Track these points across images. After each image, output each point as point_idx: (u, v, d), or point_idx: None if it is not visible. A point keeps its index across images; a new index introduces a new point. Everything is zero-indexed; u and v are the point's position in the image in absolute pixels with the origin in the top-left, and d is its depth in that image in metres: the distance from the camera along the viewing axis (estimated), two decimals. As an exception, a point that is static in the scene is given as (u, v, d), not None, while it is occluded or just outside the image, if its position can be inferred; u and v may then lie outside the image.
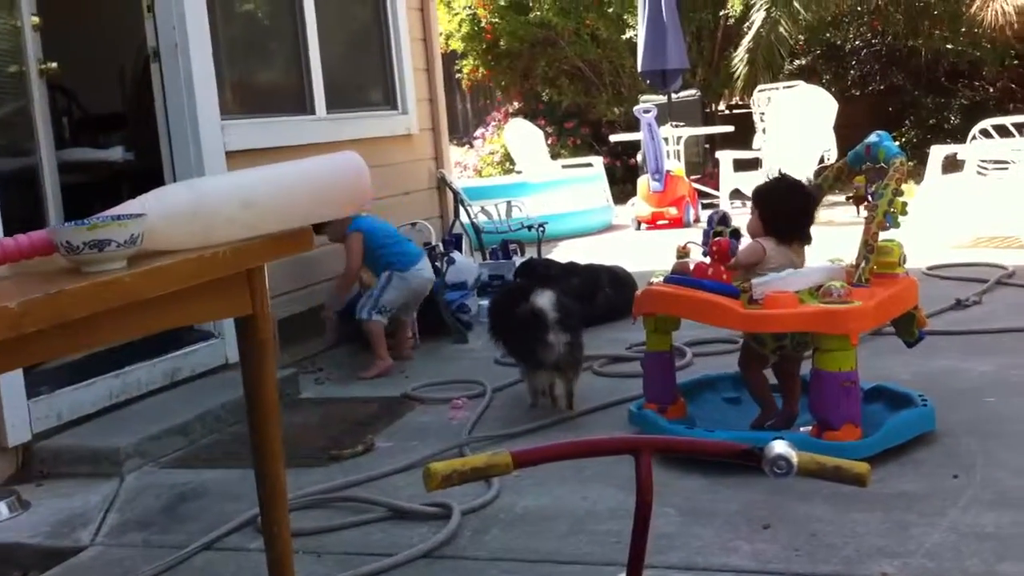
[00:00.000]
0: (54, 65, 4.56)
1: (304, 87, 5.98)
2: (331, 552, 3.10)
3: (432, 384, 4.88)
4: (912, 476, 3.31)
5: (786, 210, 3.71)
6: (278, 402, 2.38)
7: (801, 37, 13.36)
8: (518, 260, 6.50)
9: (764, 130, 10.91)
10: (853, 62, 14.78)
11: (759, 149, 10.75)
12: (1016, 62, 13.32)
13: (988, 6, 12.07)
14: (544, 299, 4.24)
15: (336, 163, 2.23)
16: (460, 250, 6.79)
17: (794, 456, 1.39)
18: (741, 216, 3.90)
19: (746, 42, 12.54)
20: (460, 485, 1.43)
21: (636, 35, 11.81)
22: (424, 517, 3.27)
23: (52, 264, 1.97)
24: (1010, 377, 4.30)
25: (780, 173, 4.05)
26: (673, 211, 10.00)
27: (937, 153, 8.00)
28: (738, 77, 12.91)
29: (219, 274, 2.04)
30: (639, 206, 10.27)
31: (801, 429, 3.58)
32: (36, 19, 4.49)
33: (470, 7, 14.12)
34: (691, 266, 3.77)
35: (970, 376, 4.36)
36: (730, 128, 12.09)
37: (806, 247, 3.75)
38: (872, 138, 3.83)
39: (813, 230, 3.78)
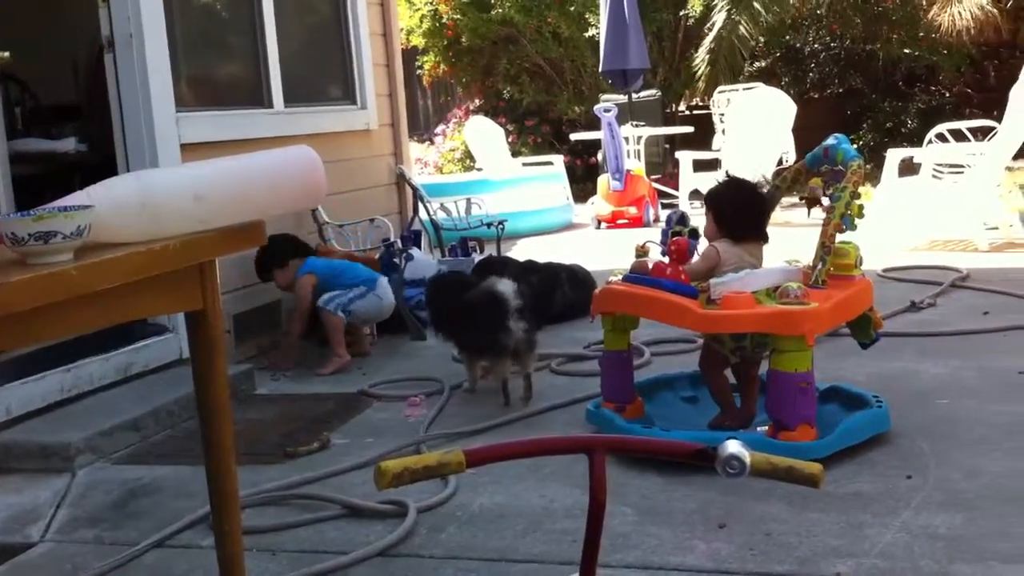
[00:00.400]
0: (6, 54, 4.49)
1: (261, 80, 5.92)
2: (285, 550, 3.07)
3: (389, 381, 4.86)
4: (866, 477, 3.33)
5: (738, 209, 3.73)
6: (229, 398, 2.35)
7: (761, 39, 13.45)
8: (477, 257, 6.48)
9: (724, 131, 10.96)
10: (812, 65, 14.90)
11: (719, 150, 10.80)
12: (972, 67, 13.49)
13: (945, 11, 12.21)
14: (504, 285, 4.32)
15: (289, 157, 2.20)
16: (419, 247, 6.76)
17: (747, 456, 1.38)
18: (700, 216, 3.91)
19: (707, 42, 12.62)
20: (412, 483, 1.41)
21: (598, 34, 11.83)
22: (379, 515, 3.24)
23: (0, 256, 1.93)
24: (963, 379, 4.34)
25: (727, 175, 4.07)
26: (633, 210, 10.04)
27: (893, 156, 8.08)
28: (700, 78, 12.97)
29: (169, 268, 2.01)
30: (599, 205, 10.29)
31: (758, 429, 3.59)
32: (-12, 7, 4.41)
33: (431, 3, 14.08)
34: (650, 265, 3.76)
35: (924, 378, 4.40)
36: (690, 129, 12.15)
37: (764, 246, 3.77)
38: (830, 141, 3.85)
39: (771, 231, 3.80)
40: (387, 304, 5.42)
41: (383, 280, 5.42)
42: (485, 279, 4.66)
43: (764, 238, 3.76)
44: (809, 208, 4.01)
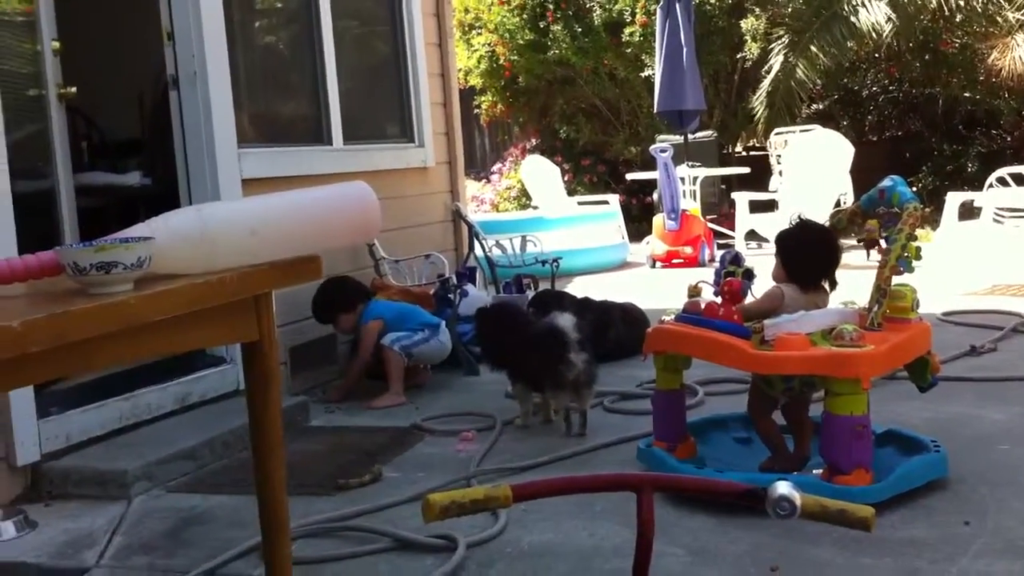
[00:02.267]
0: (73, 89, 4.59)
1: (321, 118, 6.02)
2: (333, 583, 3.08)
3: (442, 416, 4.87)
4: (923, 522, 3.27)
5: (807, 255, 3.70)
6: (282, 430, 2.37)
7: (819, 82, 13.40)
8: (530, 295, 6.49)
9: (781, 172, 10.91)
10: (871, 107, 14.80)
11: (775, 191, 10.75)
12: (1033, 112, 13.32)
13: (1006, 55, 12.08)
14: (564, 319, 4.39)
15: (345, 193, 2.23)
16: (474, 283, 6.78)
17: (798, 498, 1.37)
18: (754, 257, 3.88)
19: (766, 85, 12.59)
20: (459, 517, 1.41)
21: (653, 75, 11.86)
22: (429, 549, 3.24)
23: (64, 285, 1.97)
24: (1024, 425, 4.26)
25: (800, 218, 4.03)
26: (688, 250, 10.01)
27: (953, 200, 7.99)
28: (758, 120, 12.94)
29: (225, 299, 2.04)
30: (654, 244, 10.27)
31: (813, 472, 3.55)
32: (56, 44, 4.52)
33: (489, 44, 14.22)
34: (702, 305, 3.75)
35: (983, 423, 4.32)
36: (746, 169, 12.10)
37: (832, 292, 3.73)
38: (886, 182, 3.82)
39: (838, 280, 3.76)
40: (447, 348, 5.49)
41: (443, 324, 5.47)
42: (539, 311, 4.68)
43: (833, 285, 3.72)
44: (867, 250, 3.98)
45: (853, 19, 12.00)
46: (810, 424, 3.74)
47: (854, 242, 4.44)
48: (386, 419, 4.92)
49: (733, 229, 10.63)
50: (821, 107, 14.59)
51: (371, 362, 5.31)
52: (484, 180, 15.63)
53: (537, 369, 4.44)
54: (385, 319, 5.29)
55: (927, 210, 6.11)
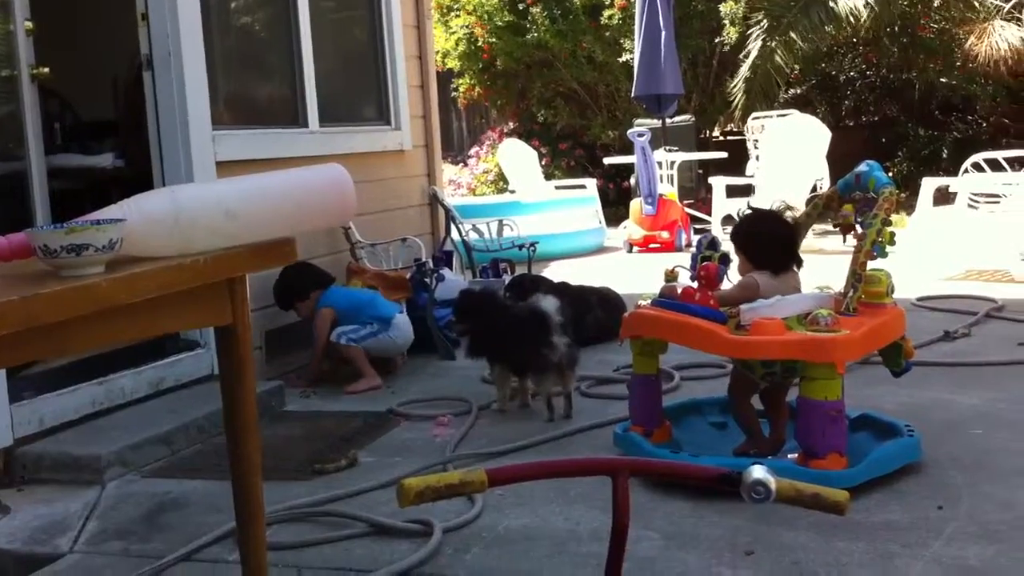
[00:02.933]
0: (46, 70, 4.54)
1: (297, 100, 5.98)
2: (310, 567, 3.07)
3: (418, 400, 4.86)
4: (896, 506, 3.30)
5: (766, 244, 3.71)
6: (257, 414, 2.36)
7: (797, 67, 13.42)
8: (507, 279, 6.49)
9: (758, 157, 10.93)
10: (848, 93, 14.84)
11: (752, 176, 10.78)
12: (1009, 98, 13.38)
13: (983, 41, 12.13)
14: (548, 302, 4.39)
15: (321, 175, 2.22)
16: (450, 267, 6.77)
17: (773, 482, 1.38)
18: (731, 242, 3.88)
19: (744, 70, 12.59)
20: (434, 502, 1.41)
21: (632, 59, 11.84)
22: (405, 534, 3.24)
23: (34, 267, 1.95)
24: (997, 410, 4.29)
25: (749, 207, 4.06)
26: (665, 235, 10.02)
27: (929, 185, 8.02)
28: (735, 104, 12.95)
29: (199, 282, 2.02)
30: (631, 229, 10.28)
31: (788, 456, 3.56)
32: (30, 24, 4.48)
33: (467, 27, 14.16)
34: (679, 290, 3.75)
35: (957, 408, 4.35)
36: (724, 154, 12.12)
37: (799, 270, 3.74)
38: (862, 167, 3.83)
39: (803, 258, 3.77)
40: (402, 342, 5.42)
41: (400, 319, 5.42)
42: (517, 296, 4.67)
43: (799, 263, 3.74)
44: (844, 235, 3.99)
45: (832, 3, 12.02)
46: (787, 409, 3.76)
47: (831, 228, 4.46)
48: (362, 404, 4.91)
49: (710, 214, 10.65)
50: (799, 92, 14.62)
51: (330, 349, 5.28)
52: (461, 164, 15.59)
53: (522, 353, 4.43)
54: (337, 308, 5.27)
55: (902, 195, 6.13)
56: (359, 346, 5.20)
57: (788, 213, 3.96)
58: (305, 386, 5.25)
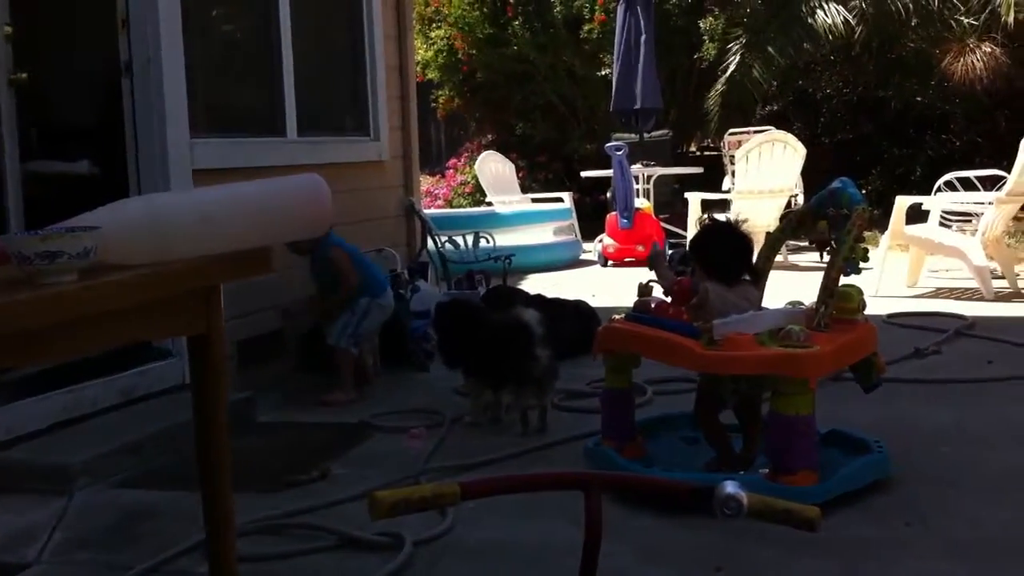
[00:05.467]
0: (24, 75, 4.52)
1: (276, 109, 5.96)
2: (279, 579, 3.06)
3: (391, 412, 4.85)
4: (866, 522, 3.31)
5: (717, 252, 3.73)
6: (228, 425, 2.35)
7: (774, 83, 13.50)
8: (482, 291, 6.49)
9: (733, 173, 10.98)
10: (824, 110, 14.94)
11: (728, 191, 10.82)
12: (983, 116, 13.51)
13: (959, 60, 12.25)
14: (529, 314, 4.36)
15: (297, 185, 2.22)
16: (425, 279, 6.76)
17: (744, 498, 1.38)
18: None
19: (720, 84, 12.66)
20: (406, 514, 1.41)
21: (611, 73, 11.88)
22: (376, 547, 3.23)
23: (8, 274, 1.94)
24: (966, 427, 4.33)
25: (710, 218, 4.09)
26: (640, 248, 10.04)
27: (902, 203, 8.08)
28: (711, 119, 13.01)
29: (173, 291, 2.02)
30: (607, 242, 10.30)
31: (759, 472, 3.58)
32: (8, 29, 4.45)
33: (447, 38, 14.17)
34: (652, 304, 3.76)
35: (927, 424, 4.38)
36: (699, 169, 12.15)
37: (764, 287, 3.76)
38: (836, 184, 3.86)
39: (776, 274, 3.79)
40: (388, 308, 5.39)
41: (388, 290, 5.43)
42: (492, 308, 4.64)
43: (754, 275, 3.75)
44: (820, 250, 4.02)
45: (810, 20, 12.12)
46: (761, 424, 3.77)
47: (805, 244, 4.49)
48: (335, 415, 4.89)
49: (686, 229, 10.68)
50: (775, 108, 14.70)
51: (316, 349, 5.25)
52: (438, 175, 15.58)
53: (503, 365, 4.41)
54: (346, 249, 5.23)
55: (875, 212, 6.17)
56: (358, 339, 5.18)
57: (745, 226, 3.97)
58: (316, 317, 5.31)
